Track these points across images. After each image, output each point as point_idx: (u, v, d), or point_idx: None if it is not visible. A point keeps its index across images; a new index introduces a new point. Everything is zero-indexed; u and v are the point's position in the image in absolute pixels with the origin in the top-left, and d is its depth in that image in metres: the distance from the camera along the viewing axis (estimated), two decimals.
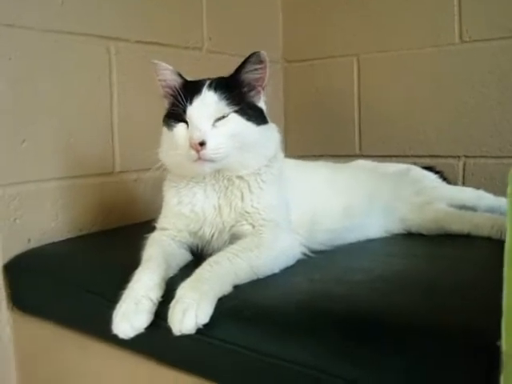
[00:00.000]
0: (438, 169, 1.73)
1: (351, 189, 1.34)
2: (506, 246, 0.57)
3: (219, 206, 1.13)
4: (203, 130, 1.04)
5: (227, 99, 1.07)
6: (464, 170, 1.90)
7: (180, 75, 1.13)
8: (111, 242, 1.48)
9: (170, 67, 1.13)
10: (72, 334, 1.22)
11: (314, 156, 2.20)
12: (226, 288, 0.95)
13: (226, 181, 1.13)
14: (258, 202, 1.13)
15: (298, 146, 2.27)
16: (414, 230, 1.40)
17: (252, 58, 1.09)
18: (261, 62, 1.10)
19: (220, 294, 0.94)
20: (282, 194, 1.18)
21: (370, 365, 0.76)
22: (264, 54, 1.09)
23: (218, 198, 1.13)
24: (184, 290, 0.91)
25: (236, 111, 1.08)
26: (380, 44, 2.05)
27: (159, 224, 1.19)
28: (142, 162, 1.68)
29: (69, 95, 1.53)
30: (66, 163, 1.53)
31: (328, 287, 0.99)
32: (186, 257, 1.16)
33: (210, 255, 1.05)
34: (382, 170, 1.49)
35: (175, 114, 1.09)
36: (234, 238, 1.12)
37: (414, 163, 1.74)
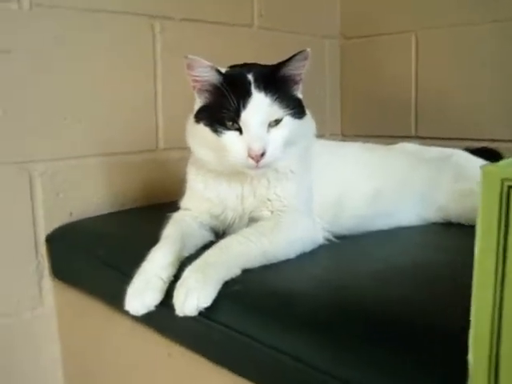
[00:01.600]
0: (494, 150, 1.64)
1: (383, 172, 1.28)
2: (476, 255, 0.52)
3: (242, 195, 1.12)
4: (264, 140, 1.01)
5: (279, 102, 1.04)
6: None
7: (218, 71, 1.06)
8: (151, 218, 1.47)
9: (208, 63, 1.05)
10: (101, 306, 1.26)
11: (369, 136, 2.14)
12: (233, 271, 0.95)
13: None
14: (282, 190, 1.12)
15: (353, 126, 2.23)
16: (453, 219, 1.32)
17: (299, 56, 1.06)
18: (305, 58, 1.06)
19: (227, 278, 0.93)
20: (306, 177, 1.16)
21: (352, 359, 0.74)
22: (309, 52, 1.06)
23: (242, 187, 1.12)
24: (190, 272, 0.92)
25: (289, 114, 1.06)
26: (439, 19, 1.93)
27: (182, 204, 1.20)
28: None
29: (111, 72, 1.55)
30: (108, 140, 1.57)
31: (340, 277, 0.96)
32: (207, 237, 1.16)
33: None
34: (422, 154, 1.41)
35: (222, 118, 1.03)
36: (253, 221, 1.11)
37: (467, 148, 1.65)
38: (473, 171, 1.38)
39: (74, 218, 1.50)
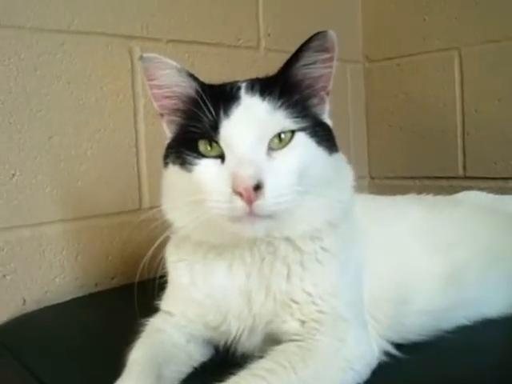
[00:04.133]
0: None
1: (460, 243, 0.88)
2: None
3: (249, 292, 0.72)
4: (257, 163, 0.64)
5: (286, 108, 0.68)
6: None
7: (194, 76, 0.73)
8: (134, 304, 1.11)
9: (175, 63, 0.72)
10: None
11: (403, 178, 1.76)
12: None
13: (263, 246, 0.72)
14: (315, 285, 0.72)
15: (383, 166, 1.88)
16: None
17: (315, 43, 0.70)
18: (327, 49, 0.70)
19: None
20: (351, 259, 0.76)
21: None
22: (333, 34, 0.69)
23: (248, 275, 0.72)
24: None
25: (303, 129, 0.69)
26: (489, 32, 1.56)
27: (163, 306, 0.81)
28: None
29: (78, 112, 1.19)
30: (74, 200, 1.20)
31: None
32: (199, 356, 0.78)
33: (243, 356, 0.71)
34: (507, 210, 1.01)
35: (192, 140, 0.69)
36: (272, 338, 0.72)
37: None
38: None
39: (29, 308, 1.13)
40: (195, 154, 0.68)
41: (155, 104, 0.75)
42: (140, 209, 1.30)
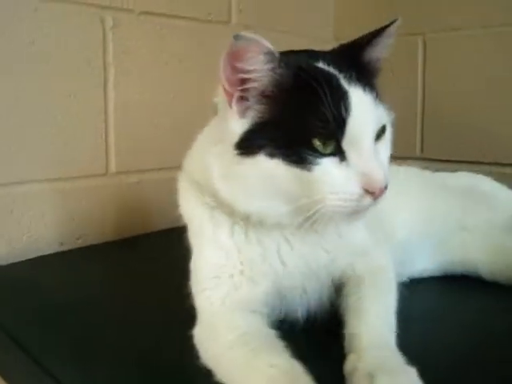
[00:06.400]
0: None
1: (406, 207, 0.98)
2: None
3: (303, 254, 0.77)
4: (381, 162, 0.68)
5: (380, 99, 0.70)
6: None
7: (292, 62, 0.68)
8: (99, 262, 1.18)
9: (272, 48, 0.65)
10: None
11: None
12: None
13: None
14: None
15: None
16: (485, 274, 0.98)
17: (390, 30, 0.74)
18: (392, 34, 0.75)
19: None
20: None
21: None
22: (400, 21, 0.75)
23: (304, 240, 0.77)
24: None
25: (390, 118, 0.73)
26: (452, 20, 1.62)
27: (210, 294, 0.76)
28: (145, 160, 1.40)
29: (47, 77, 1.23)
30: (41, 162, 1.24)
31: None
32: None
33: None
34: (439, 182, 1.09)
35: (310, 139, 0.65)
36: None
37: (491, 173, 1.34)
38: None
39: None
40: (317, 154, 0.64)
41: (231, 87, 0.67)
42: (106, 174, 1.35)
